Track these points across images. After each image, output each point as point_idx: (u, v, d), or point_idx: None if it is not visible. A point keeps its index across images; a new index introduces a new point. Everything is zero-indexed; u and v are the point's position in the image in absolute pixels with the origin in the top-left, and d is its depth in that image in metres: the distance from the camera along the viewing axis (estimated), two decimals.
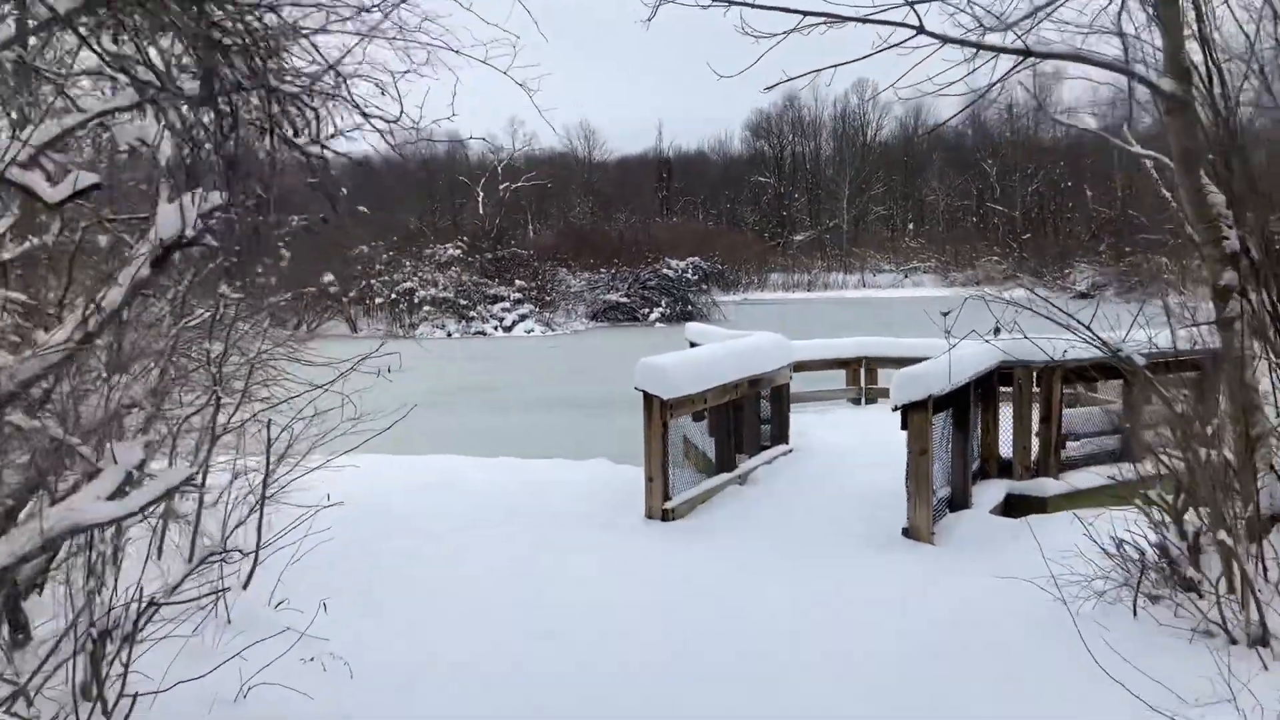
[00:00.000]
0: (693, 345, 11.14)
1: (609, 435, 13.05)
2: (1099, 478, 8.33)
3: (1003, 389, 8.73)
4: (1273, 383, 4.63)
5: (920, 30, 5.30)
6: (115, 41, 2.89)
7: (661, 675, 4.67)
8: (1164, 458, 4.57)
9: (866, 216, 74.96)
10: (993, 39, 5.57)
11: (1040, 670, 4.28)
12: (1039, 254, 59.13)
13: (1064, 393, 8.83)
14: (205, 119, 2.85)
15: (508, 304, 41.31)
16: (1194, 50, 5.26)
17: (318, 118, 2.97)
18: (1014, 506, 8.29)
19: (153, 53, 2.76)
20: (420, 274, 41.61)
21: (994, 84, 5.72)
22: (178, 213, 2.93)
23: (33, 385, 2.97)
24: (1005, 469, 8.67)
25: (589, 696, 4.47)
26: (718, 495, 8.41)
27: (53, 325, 3.27)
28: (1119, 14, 5.47)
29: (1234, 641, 4.16)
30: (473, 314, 40.63)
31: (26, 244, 3.92)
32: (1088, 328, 4.48)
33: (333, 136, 3.12)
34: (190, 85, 3.05)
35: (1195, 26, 5.26)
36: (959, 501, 7.81)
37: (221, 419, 5.80)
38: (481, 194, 65.79)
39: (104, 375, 4.68)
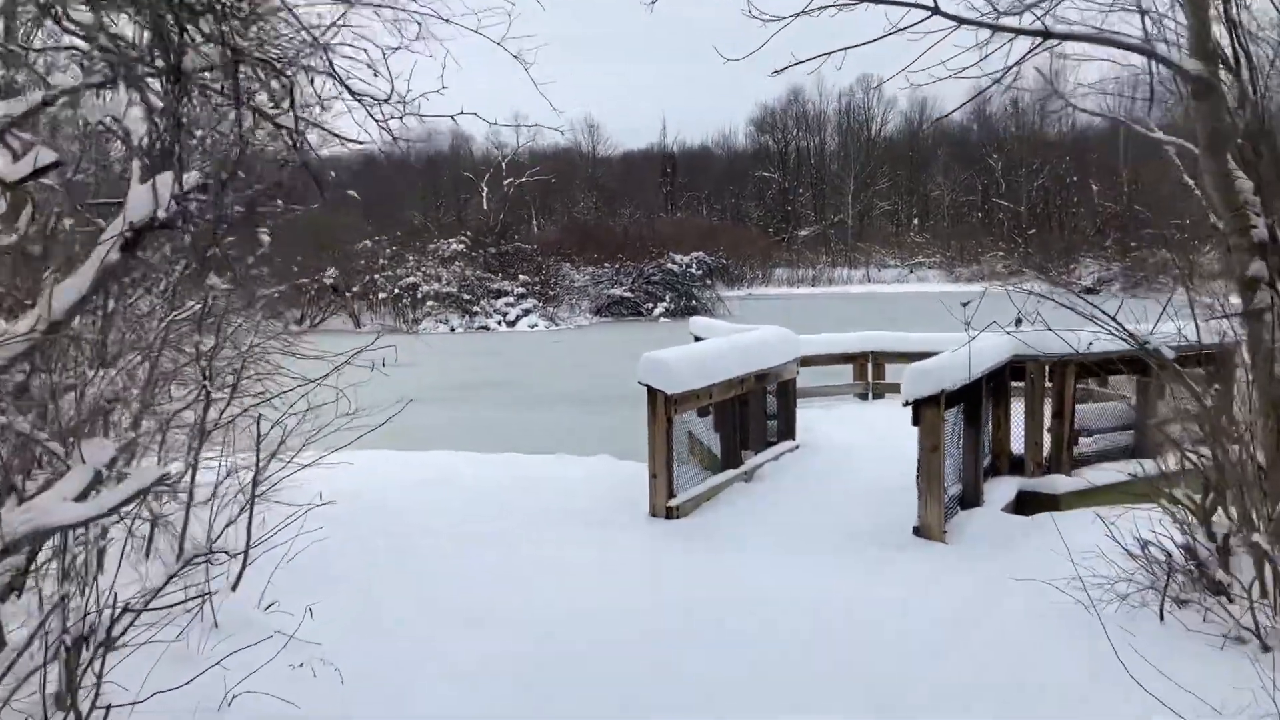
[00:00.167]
0: (697, 340, 10.95)
1: (612, 430, 12.87)
2: (1113, 474, 8.16)
3: (1014, 384, 8.55)
4: None
5: (935, 11, 5.10)
6: (91, 7, 2.70)
7: (664, 679, 4.49)
8: (1190, 455, 4.37)
9: (871, 211, 74.62)
10: (1008, 21, 5.38)
11: (1064, 677, 4.09)
12: (1044, 249, 58.86)
13: (1077, 387, 8.64)
14: (180, 94, 2.66)
15: (511, 299, 41.16)
16: (1220, 32, 5.06)
17: (292, 86, 2.78)
18: (1026, 504, 8.11)
19: (123, 22, 2.58)
20: (424, 269, 41.47)
21: (1010, 68, 5.51)
22: (149, 194, 2.75)
23: None
24: (1017, 465, 8.49)
25: (589, 699, 4.30)
26: (723, 492, 8.22)
27: (23, 315, 3.08)
28: None
29: (1267, 649, 3.96)
30: (476, 309, 40.47)
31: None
32: (1114, 319, 4.29)
33: (307, 107, 2.93)
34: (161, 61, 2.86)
35: (1221, 6, 5.06)
36: (970, 499, 7.63)
37: (213, 414, 5.65)
38: (485, 189, 65.63)
39: (86, 369, 4.52)
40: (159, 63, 2.51)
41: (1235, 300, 5.08)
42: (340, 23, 3.12)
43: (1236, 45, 5.04)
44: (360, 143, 3.14)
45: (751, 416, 9.20)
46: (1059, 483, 8.24)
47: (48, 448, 2.91)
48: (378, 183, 72.07)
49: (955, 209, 73.50)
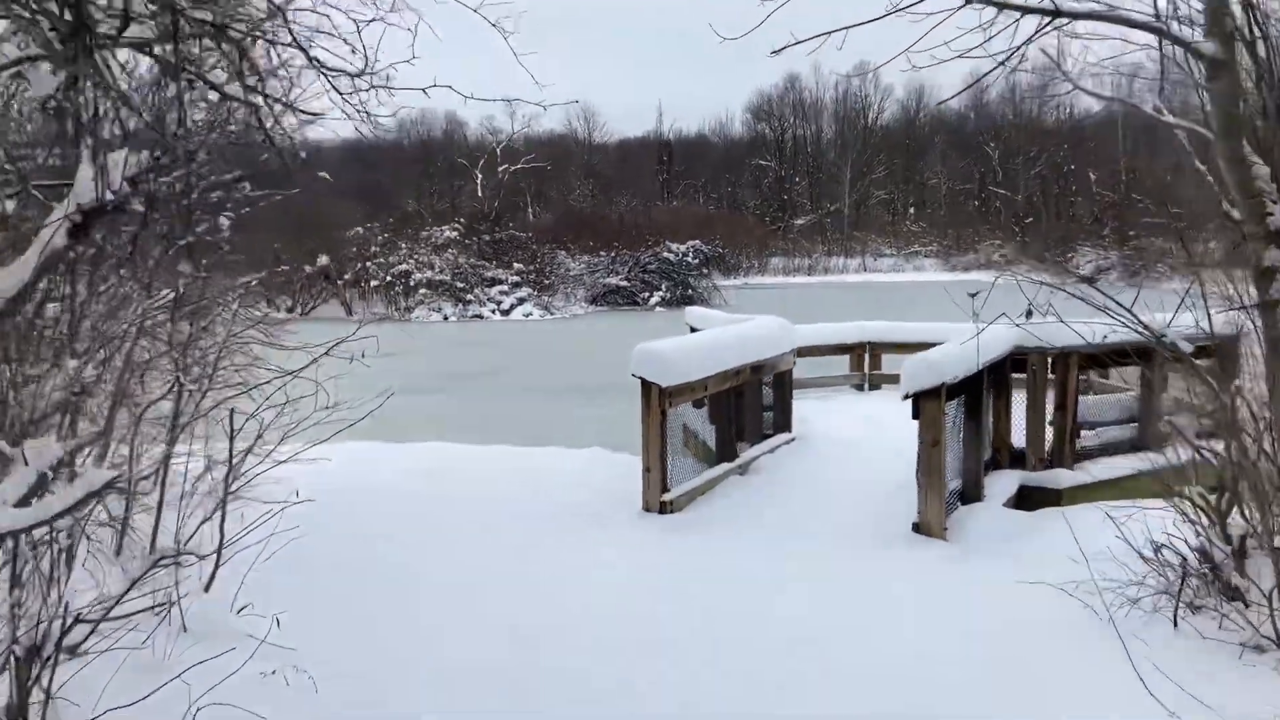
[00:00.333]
0: (693, 330, 10.76)
1: (607, 421, 12.69)
2: (1117, 468, 8.00)
3: (1015, 375, 8.36)
4: None
5: None
6: None
7: (653, 688, 4.31)
8: (1205, 452, 4.18)
9: (868, 200, 74.35)
10: None
11: (1074, 690, 3.90)
12: (1041, 238, 58.69)
13: (1079, 379, 8.47)
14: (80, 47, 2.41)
15: (505, 287, 40.87)
16: (1236, 12, 4.85)
17: (240, 54, 2.56)
18: (1027, 498, 7.94)
19: None
20: (417, 256, 41.14)
21: (1017, 49, 5.29)
22: (99, 175, 2.54)
23: None
24: (1018, 459, 8.30)
25: (577, 707, 4.12)
26: (718, 486, 8.04)
27: None
28: None
29: None
30: (470, 297, 40.20)
31: None
32: (1129, 310, 4.09)
33: (262, 77, 2.71)
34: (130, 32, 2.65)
35: None
36: (971, 494, 7.44)
37: (189, 407, 5.45)
38: (480, 176, 65.27)
39: (52, 360, 4.31)
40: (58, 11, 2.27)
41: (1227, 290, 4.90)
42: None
43: (1253, 25, 4.84)
44: (317, 115, 2.93)
45: (747, 408, 9.02)
46: (1061, 477, 8.07)
47: None
48: (371, 169, 71.86)
49: (952, 198, 73.26)
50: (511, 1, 3.21)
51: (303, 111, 2.91)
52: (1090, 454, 8.44)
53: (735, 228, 60.46)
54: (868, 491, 7.65)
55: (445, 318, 39.16)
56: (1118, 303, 4.06)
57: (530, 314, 39.72)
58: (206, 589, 4.57)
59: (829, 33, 5.48)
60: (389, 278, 40.25)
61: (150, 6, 2.34)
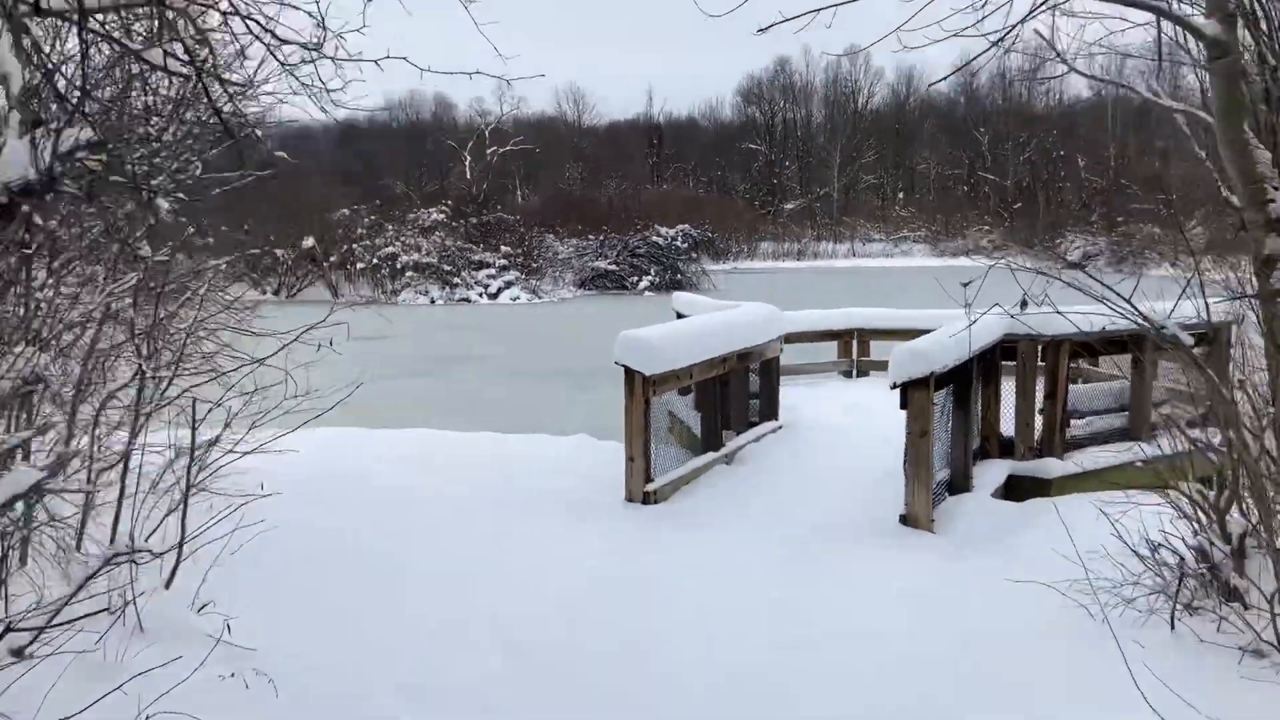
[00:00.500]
0: (680, 316, 10.59)
1: (594, 407, 12.53)
2: (1107, 457, 7.89)
3: (1005, 363, 8.23)
4: None
5: None
6: None
7: (632, 693, 4.17)
8: (1202, 447, 4.04)
9: (857, 185, 74.19)
10: None
11: (1065, 694, 3.76)
12: (1030, 223, 58.68)
13: (1070, 367, 8.35)
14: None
15: (493, 270, 40.57)
16: None
17: (163, 23, 2.37)
18: (1016, 488, 7.82)
19: None
20: (403, 239, 40.78)
21: (1012, 28, 5.13)
22: (29, 152, 2.36)
23: None
24: (1007, 448, 8.18)
25: (553, 709, 3.97)
26: (704, 475, 7.89)
27: None
28: None
29: None
30: (457, 280, 39.88)
31: None
32: (1128, 301, 3.94)
33: (190, 49, 2.51)
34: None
35: None
36: (959, 484, 7.31)
37: (154, 396, 5.25)
38: (469, 158, 64.81)
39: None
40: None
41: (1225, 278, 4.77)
42: None
43: (1256, 4, 4.68)
44: (243, 85, 2.74)
45: (733, 396, 8.87)
46: (1051, 466, 7.95)
47: None
48: (361, 152, 71.37)
49: (941, 183, 73.18)
50: None
51: (232, 83, 2.72)
52: (1080, 443, 8.33)
53: (725, 212, 60.25)
54: (855, 480, 7.52)
55: (432, 301, 38.86)
56: (1116, 293, 3.91)
57: (518, 298, 39.44)
58: (167, 586, 4.40)
59: (817, 10, 5.30)
60: (375, 260, 39.89)
61: None
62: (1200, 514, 4.06)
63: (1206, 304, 4.61)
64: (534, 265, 41.90)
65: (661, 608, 5.07)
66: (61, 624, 3.07)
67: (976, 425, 7.84)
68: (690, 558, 5.83)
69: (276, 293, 39.29)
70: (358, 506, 6.63)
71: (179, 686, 3.39)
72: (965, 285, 3.82)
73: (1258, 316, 4.09)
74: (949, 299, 5.14)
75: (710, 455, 8.19)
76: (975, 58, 5.80)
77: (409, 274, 39.77)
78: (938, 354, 6.52)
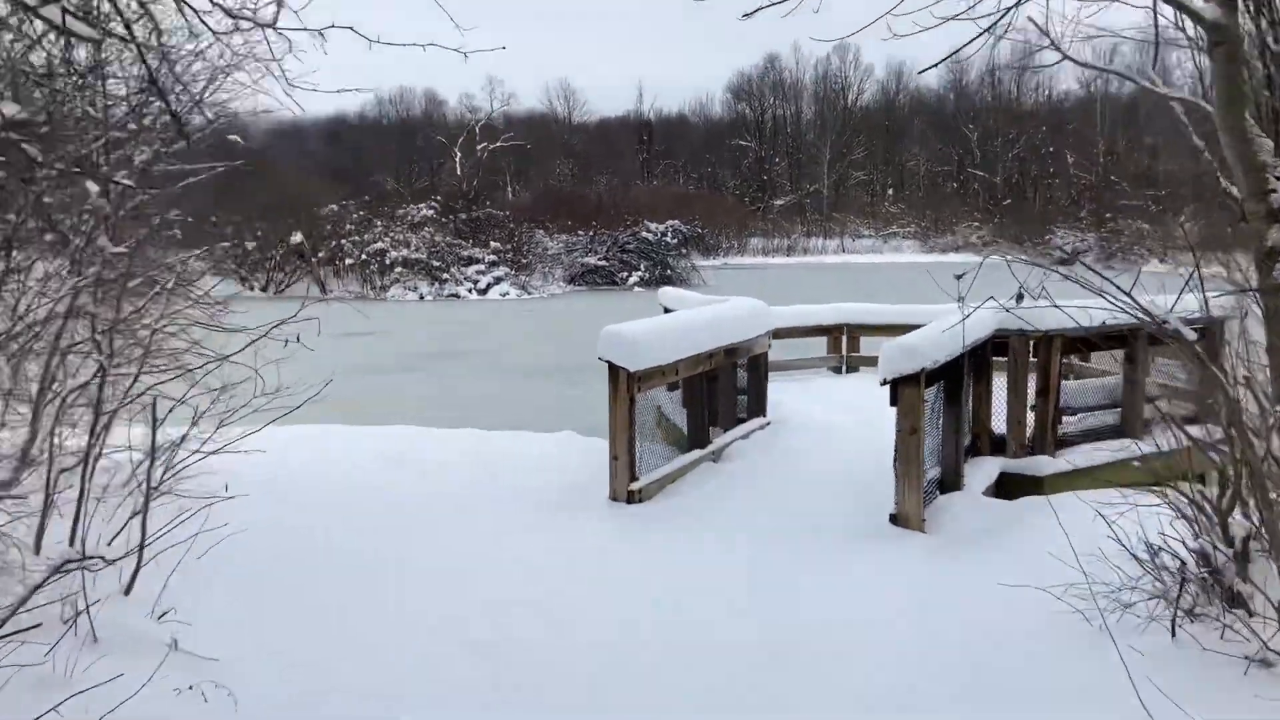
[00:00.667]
0: (667, 311, 10.43)
1: (583, 403, 12.36)
2: (1099, 455, 7.76)
3: (996, 358, 8.09)
4: None
5: None
6: None
7: (611, 702, 4.01)
8: (1203, 446, 3.89)
9: (847, 181, 74.13)
10: None
11: (1064, 707, 3.60)
12: (1020, 219, 58.69)
13: (1063, 364, 8.22)
14: None
15: (483, 266, 40.30)
16: None
17: None
18: (1008, 485, 7.69)
19: None
20: (392, 234, 40.49)
21: (1006, 12, 4.97)
22: None
23: None
24: (998, 445, 8.04)
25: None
26: (690, 474, 7.73)
27: None
28: None
29: None
30: (446, 276, 39.61)
31: None
32: (1129, 295, 3.79)
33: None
34: None
35: None
36: (950, 482, 7.16)
37: (116, 394, 5.07)
38: (459, 154, 64.53)
39: None
40: None
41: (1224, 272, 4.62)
42: None
43: None
44: (153, 47, 2.54)
45: (721, 392, 8.70)
46: (1043, 464, 7.82)
47: None
48: (350, 148, 70.98)
49: (930, 179, 73.16)
50: None
51: (144, 45, 2.53)
52: (1072, 440, 8.20)
53: (714, 208, 60.10)
54: (844, 478, 7.38)
55: (421, 297, 38.60)
56: (1117, 286, 3.76)
57: (507, 293, 39.19)
58: (126, 592, 4.21)
59: None
60: (364, 256, 39.60)
61: None
62: (1201, 515, 3.91)
63: (1205, 298, 4.47)
64: (524, 261, 41.66)
65: (643, 612, 4.90)
66: (4, 636, 2.88)
67: (968, 422, 7.69)
68: (674, 559, 5.67)
69: (265, 288, 38.99)
70: (330, 506, 6.44)
71: (131, 700, 3.21)
72: (959, 278, 3.66)
73: (1263, 310, 3.94)
74: (940, 293, 4.99)
75: (697, 453, 8.03)
76: (968, 43, 5.65)
77: (398, 270, 39.48)
78: (928, 350, 6.37)
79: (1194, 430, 4.52)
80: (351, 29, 2.83)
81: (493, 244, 41.22)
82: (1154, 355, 8.36)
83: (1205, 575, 3.83)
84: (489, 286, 39.46)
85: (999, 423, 8.06)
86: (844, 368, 12.38)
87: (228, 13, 2.54)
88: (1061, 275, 3.76)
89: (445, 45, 3.29)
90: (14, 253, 4.85)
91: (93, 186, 3.55)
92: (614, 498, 7.03)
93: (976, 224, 62.31)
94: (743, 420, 9.12)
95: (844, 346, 12.37)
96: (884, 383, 6.35)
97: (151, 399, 4.45)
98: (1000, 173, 68.11)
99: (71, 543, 4.43)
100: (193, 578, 4.37)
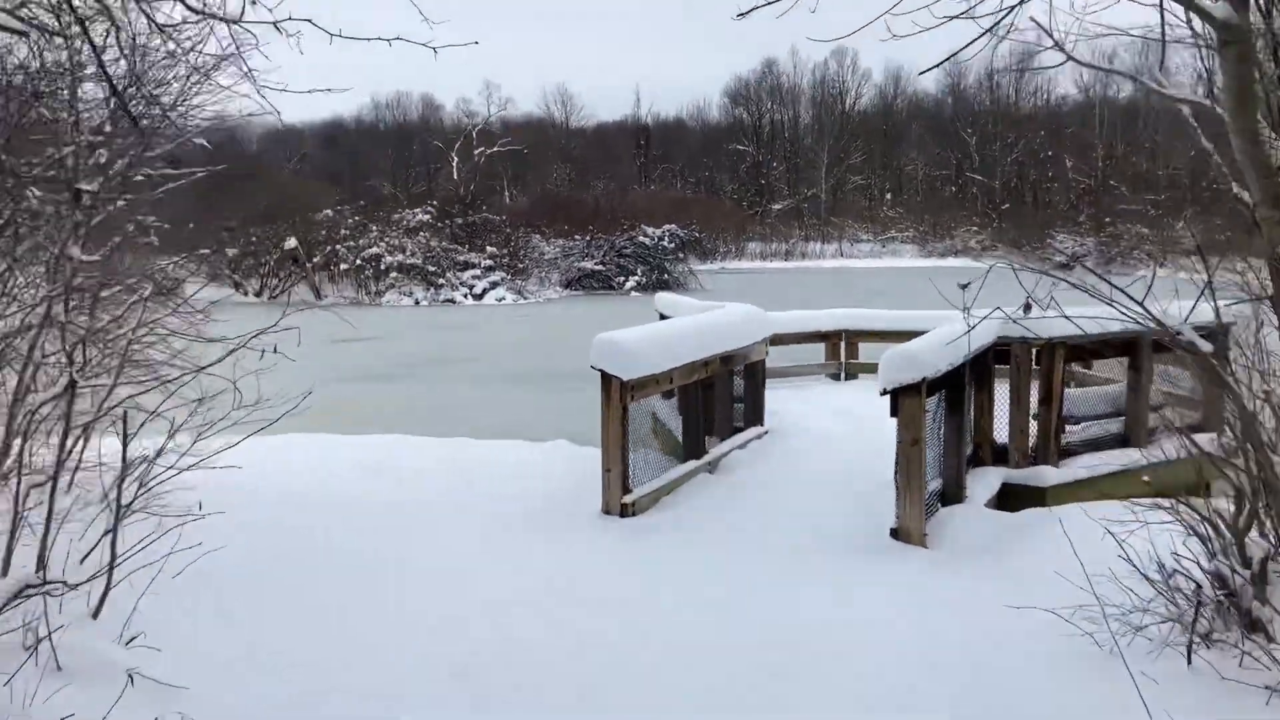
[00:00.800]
0: (663, 317, 10.26)
1: (577, 411, 12.16)
2: (1103, 465, 7.61)
3: (998, 366, 7.93)
4: None
5: None
6: None
7: (611, 702, 3.84)
8: (1218, 463, 3.73)
9: (845, 186, 74.04)
10: None
11: None
12: (1018, 224, 58.60)
13: (1065, 371, 8.05)
14: None
15: (478, 271, 40.11)
16: None
17: None
18: (1010, 497, 7.52)
19: None
20: (387, 239, 40.30)
21: (1008, 11, 4.82)
22: None
23: None
24: (1000, 456, 7.88)
25: None
26: (685, 485, 7.56)
27: None
28: None
29: None
30: (442, 281, 39.42)
31: None
32: (1141, 304, 3.63)
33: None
34: None
35: None
36: (952, 494, 6.99)
37: (88, 408, 4.90)
38: (456, 159, 64.44)
39: None
40: None
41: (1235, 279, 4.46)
42: None
43: None
44: (86, 18, 2.37)
45: (717, 401, 8.54)
46: (1046, 474, 7.65)
47: None
48: (346, 152, 70.83)
49: (929, 184, 73.09)
50: None
51: (76, 19, 2.35)
52: (1075, 450, 8.04)
53: (712, 212, 59.99)
54: (843, 490, 7.21)
55: (416, 302, 38.41)
56: (1128, 295, 3.60)
57: (503, 298, 39.01)
58: (95, 616, 4.04)
59: None
60: (359, 261, 39.41)
61: None
62: (1215, 534, 3.74)
63: (1216, 306, 4.31)
64: (520, 266, 41.47)
65: (637, 631, 4.73)
66: None
67: (970, 432, 7.53)
68: (668, 577, 5.50)
69: (259, 294, 38.80)
70: (310, 525, 6.23)
71: None
72: (964, 287, 3.50)
73: (1276, 318, 3.78)
74: (941, 300, 4.83)
75: (692, 464, 7.86)
76: (969, 44, 5.49)
77: (393, 275, 39.29)
78: (930, 358, 6.20)
79: (1200, 439, 4.36)
80: (309, 21, 2.66)
81: (489, 249, 41.03)
82: (1156, 361, 8.22)
83: (1222, 598, 3.67)
84: (485, 291, 39.27)
85: (1001, 432, 7.90)
86: (843, 374, 12.20)
87: (191, 8, 2.38)
88: (1070, 283, 3.59)
89: (413, 40, 3.13)
90: None
91: (33, 190, 3.38)
92: (607, 510, 6.86)
93: (975, 228, 62.24)
94: (740, 429, 8.95)
95: (843, 353, 12.20)
96: (884, 392, 6.18)
97: (123, 412, 4.28)
98: (999, 177, 68.05)
99: (38, 566, 4.25)
100: (165, 599, 4.19)
